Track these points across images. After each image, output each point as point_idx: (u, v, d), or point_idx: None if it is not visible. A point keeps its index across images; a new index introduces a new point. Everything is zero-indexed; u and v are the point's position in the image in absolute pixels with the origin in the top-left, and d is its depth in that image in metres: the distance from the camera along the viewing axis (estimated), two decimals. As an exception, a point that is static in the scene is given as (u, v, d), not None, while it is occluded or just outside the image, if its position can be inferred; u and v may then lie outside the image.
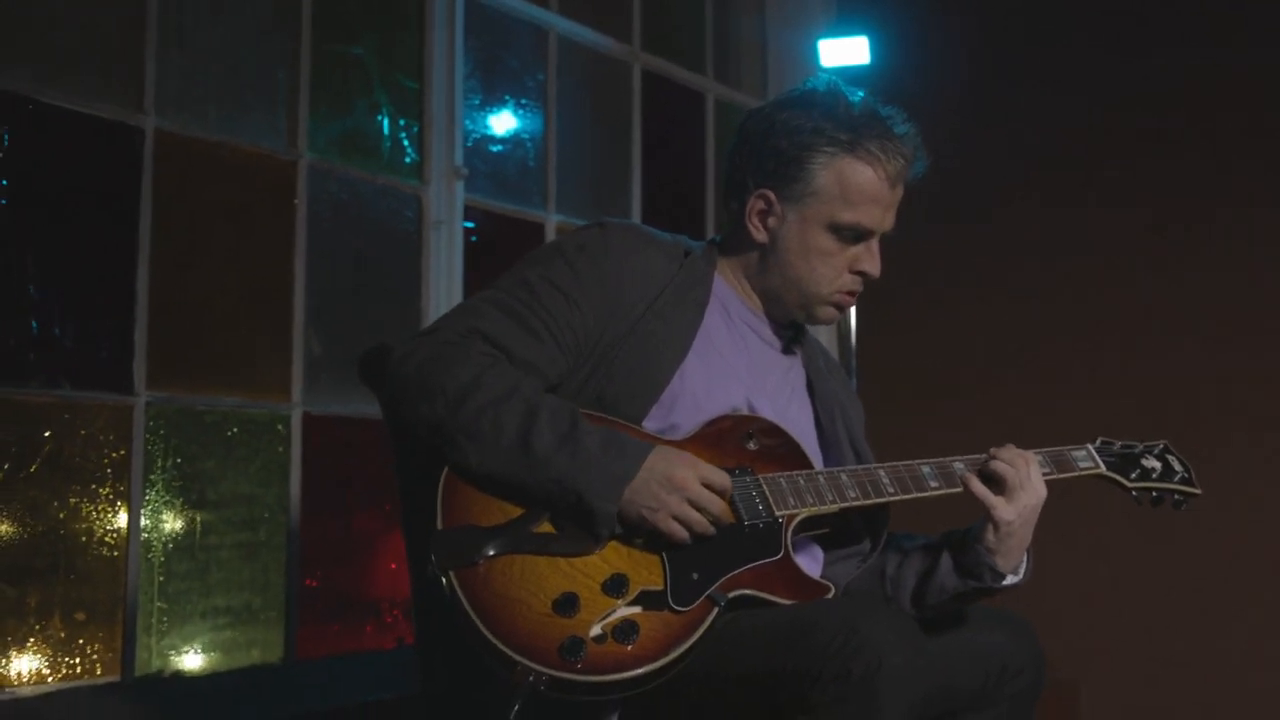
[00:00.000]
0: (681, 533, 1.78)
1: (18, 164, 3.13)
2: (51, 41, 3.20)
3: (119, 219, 3.30)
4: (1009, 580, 2.05)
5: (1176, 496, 2.27)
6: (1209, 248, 4.30)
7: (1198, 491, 2.28)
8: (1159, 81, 4.39)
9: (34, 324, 3.14)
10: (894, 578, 2.14)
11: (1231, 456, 3.72)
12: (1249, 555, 4.14)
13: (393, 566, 3.89)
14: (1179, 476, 2.28)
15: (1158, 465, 2.27)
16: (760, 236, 2.09)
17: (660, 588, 1.76)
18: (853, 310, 4.30)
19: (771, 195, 2.06)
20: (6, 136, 3.11)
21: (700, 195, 5.04)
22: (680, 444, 1.93)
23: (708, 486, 1.80)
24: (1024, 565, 2.07)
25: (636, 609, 1.74)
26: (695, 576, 1.78)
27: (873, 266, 2.09)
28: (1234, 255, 4.27)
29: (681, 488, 1.78)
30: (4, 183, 3.11)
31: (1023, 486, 2.00)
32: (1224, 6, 4.32)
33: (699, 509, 1.78)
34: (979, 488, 1.99)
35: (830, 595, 1.90)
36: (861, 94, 2.08)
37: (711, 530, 1.80)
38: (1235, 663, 4.17)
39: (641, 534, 1.79)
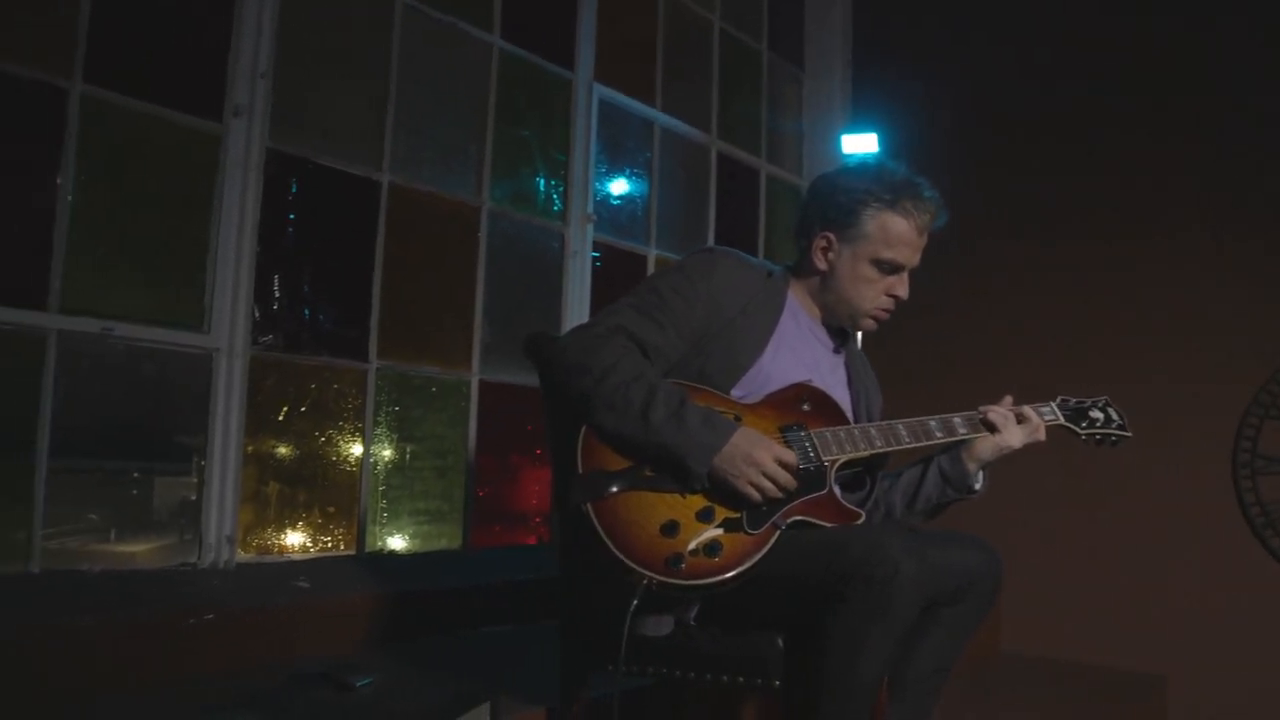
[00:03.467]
0: (755, 496, 1.74)
1: (301, 204, 3.18)
2: (323, 122, 3.25)
3: (362, 243, 3.33)
4: (978, 492, 2.06)
5: (1114, 438, 2.16)
6: (1122, 275, 4.17)
7: (1130, 434, 2.17)
8: (1090, 158, 4.29)
9: (306, 311, 3.19)
10: (883, 499, 2.11)
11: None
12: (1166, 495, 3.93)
13: (535, 487, 3.88)
14: (1116, 424, 2.16)
15: (1101, 416, 2.16)
16: (822, 266, 2.04)
17: (738, 516, 1.73)
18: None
19: (832, 236, 2.01)
20: (295, 185, 3.16)
21: (754, 237, 5.00)
22: (755, 405, 1.89)
23: (780, 462, 1.76)
24: (984, 481, 2.08)
25: (720, 531, 1.71)
26: (764, 508, 1.75)
27: (903, 292, 2.04)
28: (1141, 280, 4.14)
29: (759, 464, 1.73)
30: (292, 216, 3.16)
31: (1007, 428, 2.01)
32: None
33: (772, 480, 1.74)
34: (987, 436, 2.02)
35: (860, 520, 1.85)
36: (901, 166, 2.02)
37: (778, 495, 1.75)
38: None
39: (727, 491, 1.74)
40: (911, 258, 2.02)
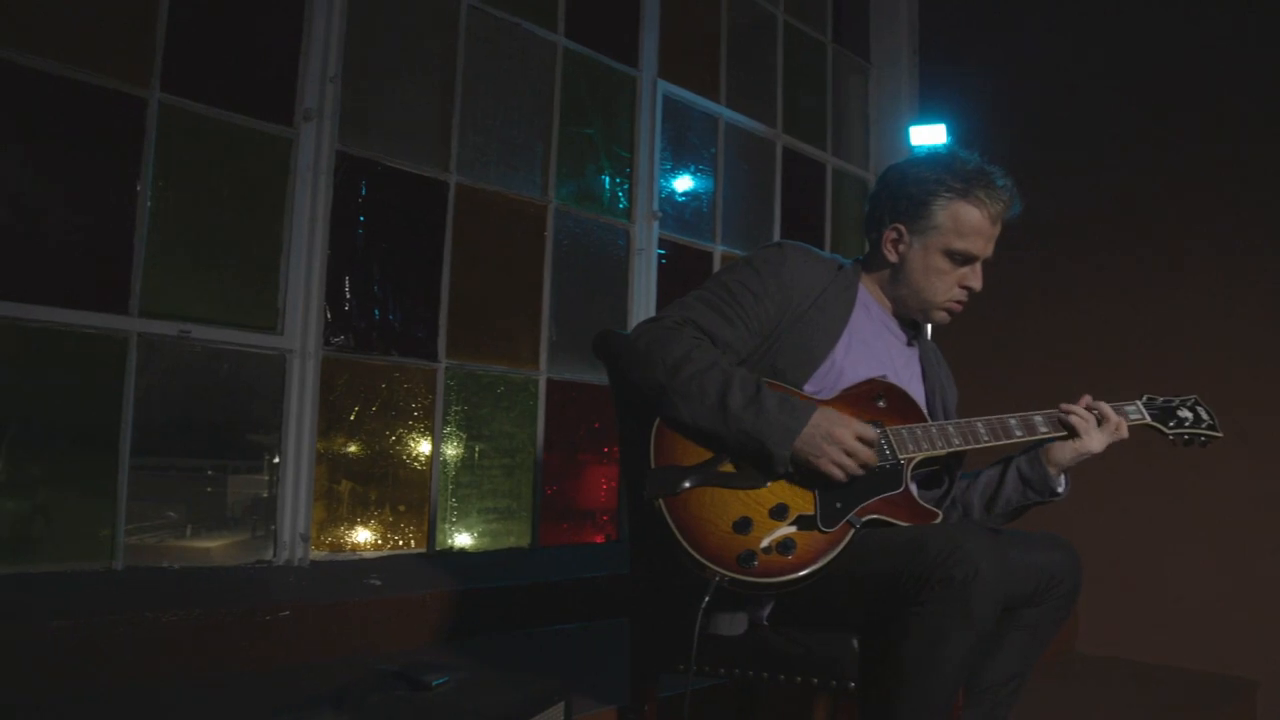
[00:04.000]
0: (839, 474, 1.70)
1: (370, 205, 3.22)
2: (391, 124, 3.29)
3: (430, 242, 3.36)
4: (1061, 494, 2.00)
5: (1202, 439, 2.07)
6: (1190, 273, 4.04)
7: (1220, 435, 2.07)
8: (1176, 150, 4.16)
9: (375, 312, 3.22)
10: (960, 499, 2.05)
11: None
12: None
13: (603, 485, 3.87)
14: (1206, 424, 2.07)
15: (1189, 415, 2.07)
16: (893, 258, 1.99)
17: (812, 513, 1.69)
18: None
19: (902, 228, 1.96)
20: (364, 187, 3.20)
21: (820, 231, 4.94)
22: (829, 401, 1.84)
23: (860, 439, 1.72)
24: (1066, 484, 2.01)
25: (794, 529, 1.68)
26: (838, 505, 1.71)
27: (976, 283, 1.98)
28: (1210, 278, 4.00)
29: (840, 441, 1.70)
30: (361, 218, 3.20)
31: (1090, 432, 1.94)
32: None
33: (852, 456, 1.71)
34: (1084, 427, 1.94)
35: (937, 520, 1.80)
36: (973, 155, 1.96)
37: (861, 472, 1.71)
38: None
39: (804, 473, 1.71)
40: (985, 248, 1.96)
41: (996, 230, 1.96)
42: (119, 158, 2.74)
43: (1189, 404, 2.10)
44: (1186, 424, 2.07)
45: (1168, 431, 2.06)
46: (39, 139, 2.64)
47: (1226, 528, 3.82)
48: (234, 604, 2.48)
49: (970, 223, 1.92)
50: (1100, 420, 1.97)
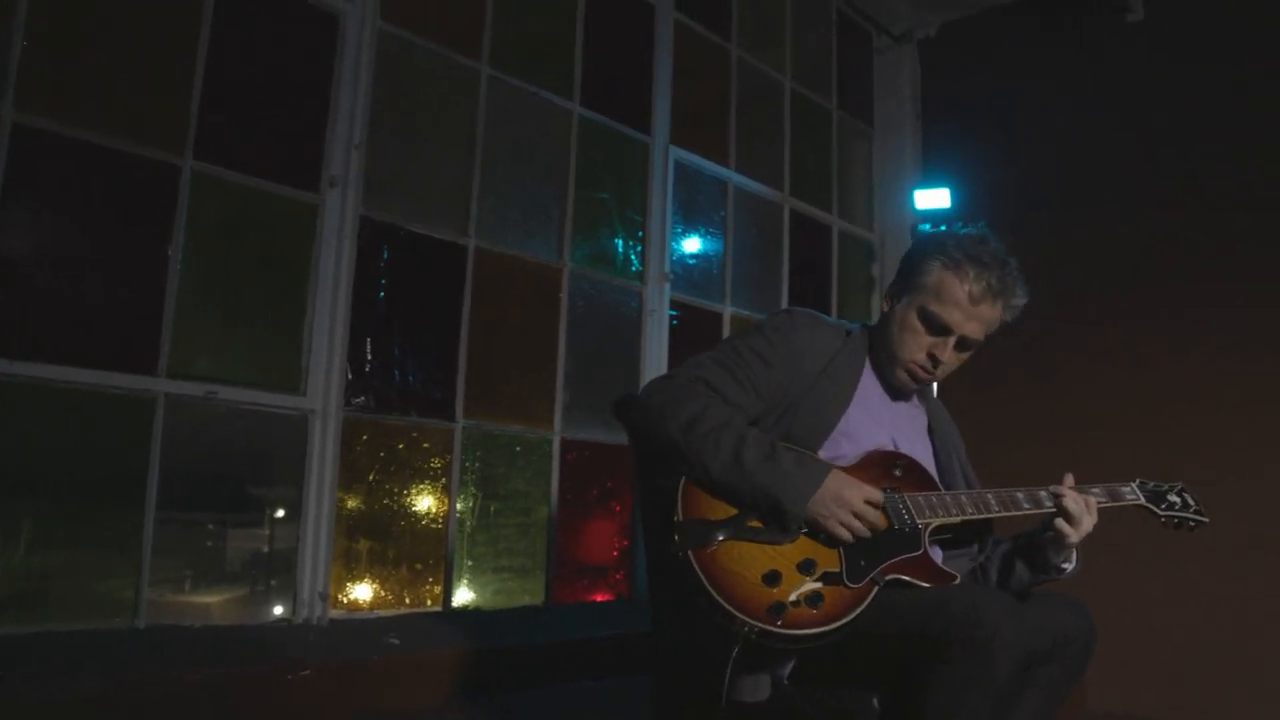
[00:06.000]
0: (846, 535, 1.75)
1: (392, 269, 3.30)
2: (412, 191, 3.37)
3: (449, 305, 3.43)
4: (1067, 572, 2.03)
5: (1191, 523, 2.17)
6: (1193, 345, 4.12)
7: (1207, 520, 2.17)
8: (1149, 218, 4.25)
9: (396, 373, 3.27)
10: (981, 570, 2.09)
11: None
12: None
13: (615, 543, 3.88)
14: (1193, 509, 2.17)
15: (1178, 500, 2.17)
16: (886, 309, 2.07)
17: (838, 570, 1.74)
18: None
19: (899, 286, 2.04)
20: (386, 251, 3.28)
21: (827, 292, 5.02)
22: (847, 469, 1.88)
23: (869, 503, 1.78)
24: (1076, 561, 2.05)
25: (820, 584, 1.71)
26: (862, 563, 1.75)
27: (944, 357, 1.99)
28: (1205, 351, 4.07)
29: (849, 504, 1.75)
30: (383, 281, 3.27)
31: (1083, 520, 1.96)
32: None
33: (860, 519, 1.76)
34: (1060, 524, 1.95)
35: (956, 581, 1.83)
36: (998, 244, 2.00)
37: (867, 534, 1.76)
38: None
39: (820, 532, 1.76)
40: (961, 323, 1.97)
41: (980, 311, 1.97)
42: (152, 223, 2.82)
43: (1176, 490, 2.20)
44: (1176, 508, 2.17)
45: (1160, 513, 2.15)
46: (77, 205, 2.72)
47: (1231, 585, 3.85)
48: (256, 663, 2.50)
49: (949, 292, 1.96)
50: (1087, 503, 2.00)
